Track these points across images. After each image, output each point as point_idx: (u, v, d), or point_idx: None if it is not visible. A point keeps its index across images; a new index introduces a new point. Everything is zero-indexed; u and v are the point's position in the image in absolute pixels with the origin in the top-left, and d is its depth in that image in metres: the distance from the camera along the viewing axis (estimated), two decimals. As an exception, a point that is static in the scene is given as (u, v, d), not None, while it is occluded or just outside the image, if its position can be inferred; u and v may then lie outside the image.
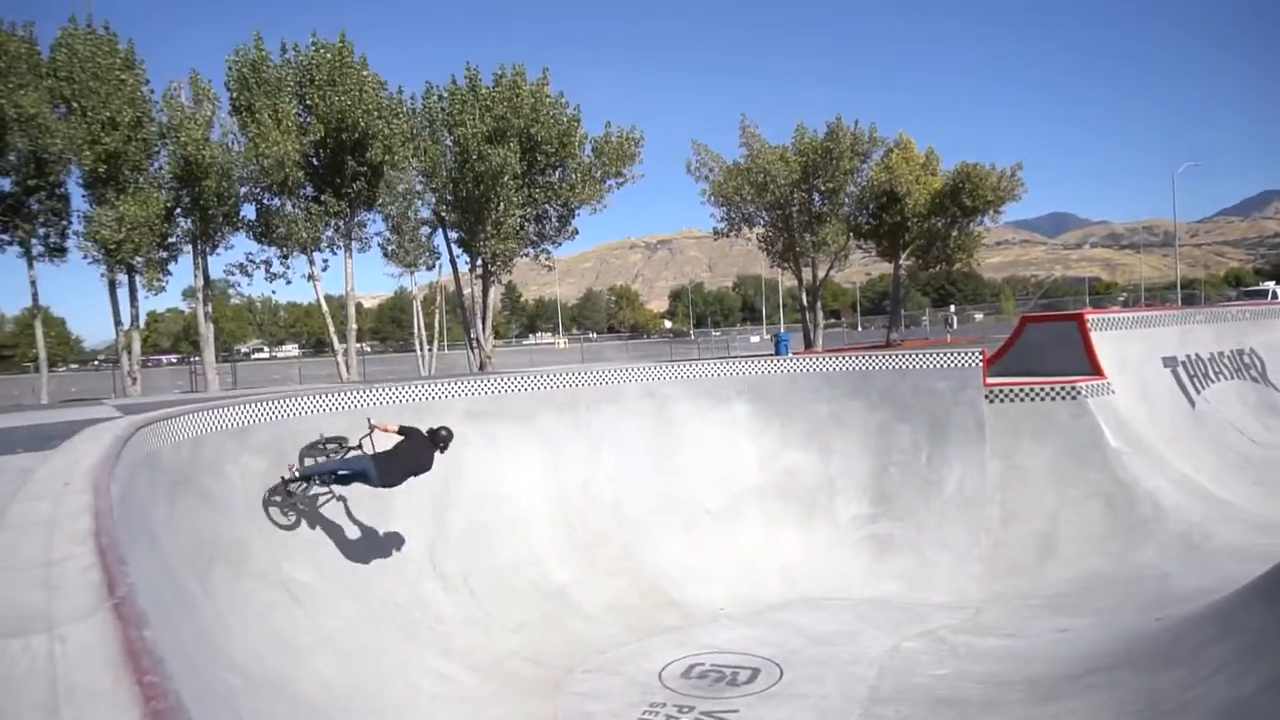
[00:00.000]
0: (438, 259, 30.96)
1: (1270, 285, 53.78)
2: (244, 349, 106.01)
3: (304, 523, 8.68)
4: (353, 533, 9.04)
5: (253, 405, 9.34)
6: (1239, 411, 12.94)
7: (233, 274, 27.09)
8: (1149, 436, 11.11)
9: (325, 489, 8.77)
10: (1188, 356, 12.95)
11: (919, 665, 7.90)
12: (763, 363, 12.83)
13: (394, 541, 9.28)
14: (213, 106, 24.16)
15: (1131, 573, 9.48)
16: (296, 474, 8.59)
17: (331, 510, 9.01)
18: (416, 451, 8.58)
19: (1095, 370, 11.28)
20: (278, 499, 8.55)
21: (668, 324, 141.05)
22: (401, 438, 8.64)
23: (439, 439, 8.71)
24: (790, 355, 16.51)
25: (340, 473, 8.50)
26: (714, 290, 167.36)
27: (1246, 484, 11.08)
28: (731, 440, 11.99)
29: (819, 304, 36.29)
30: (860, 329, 75.92)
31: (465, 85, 27.39)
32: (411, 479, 8.61)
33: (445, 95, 27.53)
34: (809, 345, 34.47)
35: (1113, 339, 11.96)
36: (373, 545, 9.09)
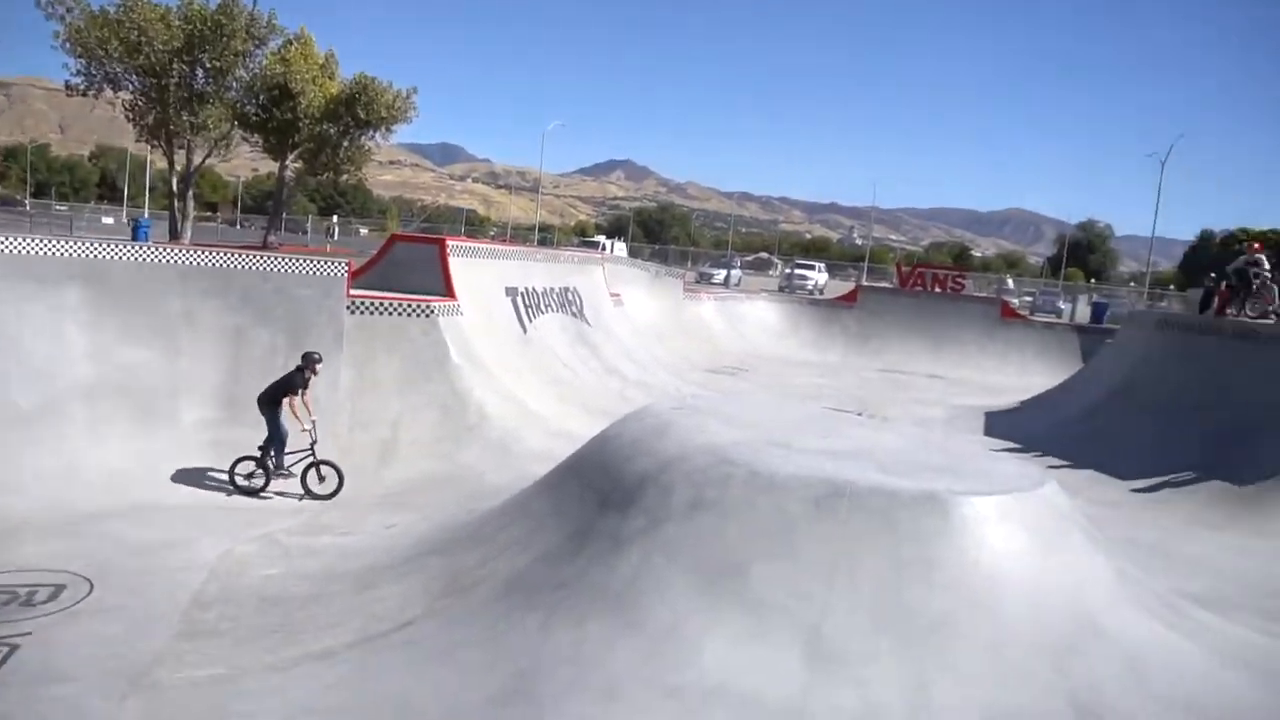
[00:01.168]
0: None
1: (602, 239, 64.35)
2: None
3: None
4: None
5: None
6: (559, 339, 15.34)
7: None
8: (486, 355, 12.54)
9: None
10: (526, 289, 14.89)
11: (250, 567, 7.88)
12: (108, 246, 11.27)
13: None
14: None
15: (457, 472, 10.70)
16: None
17: None
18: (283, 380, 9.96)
19: (449, 292, 12.31)
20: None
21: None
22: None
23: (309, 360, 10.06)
24: (149, 243, 14.78)
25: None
26: (64, 156, 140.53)
27: (554, 400, 13.24)
28: (56, 330, 10.36)
29: (190, 193, 32.97)
30: (239, 227, 71.14)
31: None
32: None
33: None
34: (175, 236, 31.18)
35: (468, 266, 13.17)
36: None
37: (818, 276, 50.29)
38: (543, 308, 15.32)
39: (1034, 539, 5.82)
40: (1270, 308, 17.06)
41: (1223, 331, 15.68)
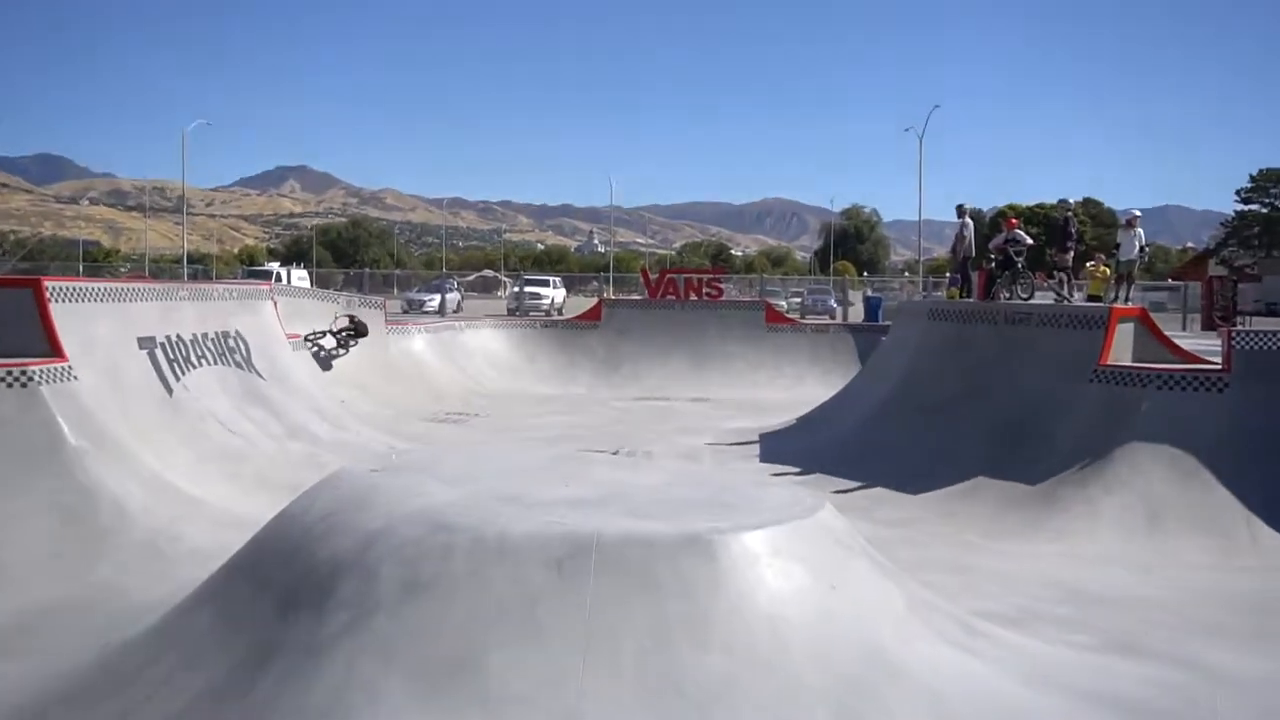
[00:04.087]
0: None
1: (277, 267, 61.89)
2: None
3: None
4: None
5: None
6: (220, 400, 14.45)
7: None
8: (119, 431, 11.57)
9: None
10: (168, 337, 13.92)
11: None
12: None
13: None
14: None
15: (88, 595, 9.72)
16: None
17: None
18: None
19: (55, 351, 11.26)
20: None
21: None
22: None
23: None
24: None
25: None
26: None
27: (221, 479, 12.45)
28: None
29: None
30: None
31: None
32: None
33: None
34: None
35: (79, 313, 12.09)
36: None
37: (554, 293, 51.41)
38: (194, 360, 14.39)
39: (813, 573, 6.16)
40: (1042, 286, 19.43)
41: (994, 317, 17.55)
